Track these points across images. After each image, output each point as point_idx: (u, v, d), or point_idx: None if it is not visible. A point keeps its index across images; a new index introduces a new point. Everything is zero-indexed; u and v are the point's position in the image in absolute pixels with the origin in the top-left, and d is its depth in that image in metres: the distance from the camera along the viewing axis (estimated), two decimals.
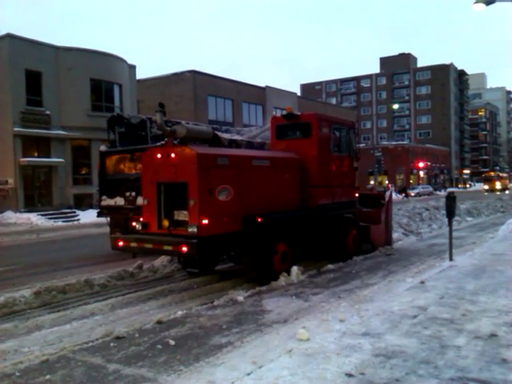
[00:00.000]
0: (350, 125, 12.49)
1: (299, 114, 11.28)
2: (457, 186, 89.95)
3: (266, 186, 9.60)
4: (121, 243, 8.81)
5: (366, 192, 14.16)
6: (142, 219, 9.00)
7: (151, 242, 8.40)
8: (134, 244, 8.67)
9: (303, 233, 10.32)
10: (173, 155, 8.41)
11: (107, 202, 13.11)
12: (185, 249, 7.76)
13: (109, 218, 13.47)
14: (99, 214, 13.84)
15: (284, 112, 12.04)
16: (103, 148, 13.51)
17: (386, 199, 13.46)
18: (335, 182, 11.45)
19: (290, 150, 10.84)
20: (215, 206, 8.30)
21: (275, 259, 9.10)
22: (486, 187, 67.29)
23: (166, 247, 8.18)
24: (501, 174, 77.94)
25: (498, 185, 67.24)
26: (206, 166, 8.23)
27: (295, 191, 10.48)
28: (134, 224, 11.96)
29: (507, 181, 75.81)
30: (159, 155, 8.65)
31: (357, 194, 12.72)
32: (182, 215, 8.37)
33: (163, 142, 11.34)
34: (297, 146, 10.89)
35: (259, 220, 8.83)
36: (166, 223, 8.50)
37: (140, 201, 12.01)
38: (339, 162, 11.66)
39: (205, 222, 8.04)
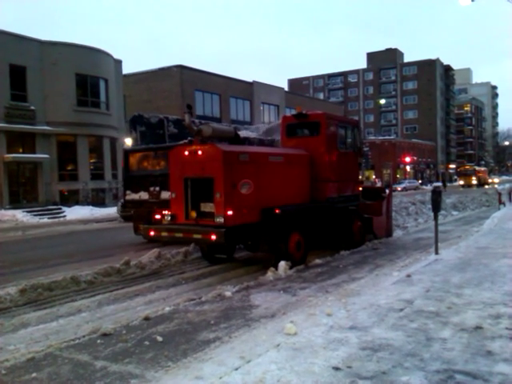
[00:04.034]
0: (355, 123, 13.31)
1: (309, 113, 11.74)
2: (442, 181, 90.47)
3: (280, 180, 10.23)
4: (152, 233, 9.49)
5: (368, 186, 15.10)
6: (169, 211, 9.65)
7: (181, 232, 9.08)
8: (164, 233, 9.34)
9: (314, 224, 10.97)
10: (200, 152, 9.06)
11: (132, 196, 14.05)
12: (214, 237, 8.45)
13: (132, 211, 14.58)
14: (124, 208, 15.21)
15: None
16: (127, 146, 14.66)
17: (387, 193, 14.37)
18: (341, 176, 12.04)
19: (300, 147, 11.44)
20: (238, 198, 8.97)
21: (291, 247, 9.81)
22: (462, 182, 65.08)
23: (196, 236, 8.89)
24: (478, 168, 73.82)
25: (474, 180, 64.72)
26: (230, 162, 8.86)
27: (305, 185, 11.14)
28: (156, 216, 12.64)
29: (486, 175, 72.71)
30: (187, 153, 9.26)
31: (360, 188, 13.48)
32: (208, 207, 9.06)
33: (186, 141, 11.71)
34: (306, 144, 11.53)
35: (277, 211, 9.50)
36: (193, 214, 9.23)
37: (164, 195, 12.74)
38: (345, 158, 12.22)
39: (230, 213, 8.76)
